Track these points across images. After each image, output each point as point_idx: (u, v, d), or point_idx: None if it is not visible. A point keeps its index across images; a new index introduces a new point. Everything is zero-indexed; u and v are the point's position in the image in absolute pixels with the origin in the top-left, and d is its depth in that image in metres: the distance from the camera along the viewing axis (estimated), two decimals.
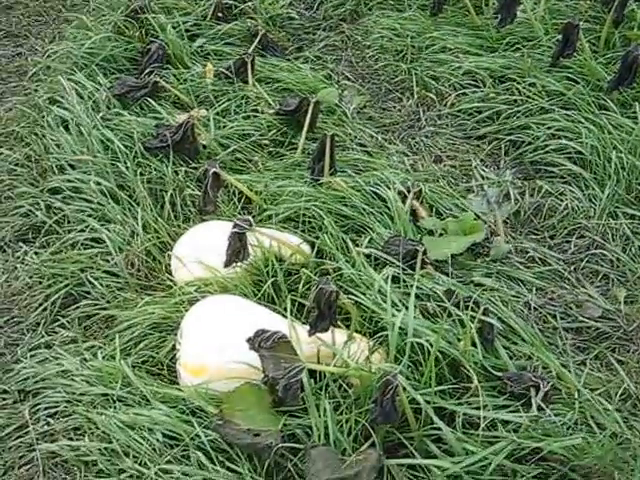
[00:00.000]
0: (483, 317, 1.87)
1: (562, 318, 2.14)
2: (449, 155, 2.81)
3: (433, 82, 3.08)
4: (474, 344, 1.85)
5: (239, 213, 2.36)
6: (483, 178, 2.65)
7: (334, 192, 2.42)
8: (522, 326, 2.01)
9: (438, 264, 2.23)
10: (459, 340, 1.86)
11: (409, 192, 2.37)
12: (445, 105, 3.02)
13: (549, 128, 2.70)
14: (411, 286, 1.96)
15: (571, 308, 2.17)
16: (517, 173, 2.68)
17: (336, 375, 1.81)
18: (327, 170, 2.45)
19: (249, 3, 3.44)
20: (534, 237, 2.41)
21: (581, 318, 2.13)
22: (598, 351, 2.06)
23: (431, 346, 1.75)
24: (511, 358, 1.94)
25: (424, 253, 2.14)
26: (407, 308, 1.85)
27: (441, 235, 2.35)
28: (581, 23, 3.02)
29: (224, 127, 2.73)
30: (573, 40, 2.78)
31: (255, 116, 2.79)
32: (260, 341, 1.74)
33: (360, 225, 2.35)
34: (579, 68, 2.95)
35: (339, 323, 1.93)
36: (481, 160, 2.75)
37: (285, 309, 1.93)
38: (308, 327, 1.83)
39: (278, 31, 3.49)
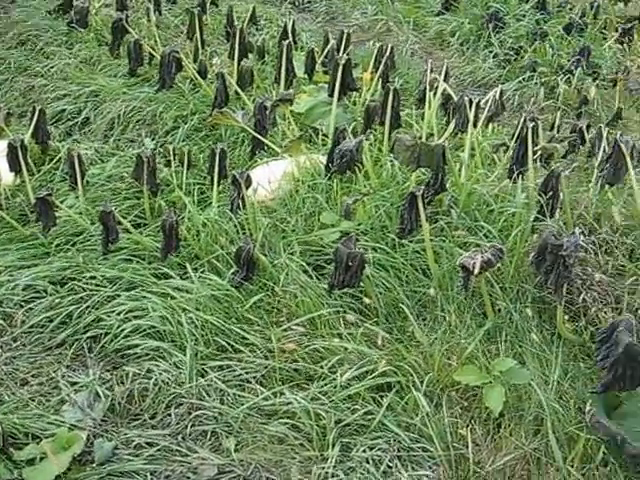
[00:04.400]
0: None
1: None
2: (34, 374, 3.09)
3: None
4: None
5: None
6: (72, 385, 2.97)
7: None
8: None
9: None
10: None
11: None
12: (16, 326, 3.32)
13: (119, 313, 3.15)
14: None
15: (189, 478, 2.55)
16: (106, 366, 3.06)
17: None
18: None
19: None
20: (136, 423, 2.78)
21: None
22: None
23: None
24: None
25: None
26: None
27: (42, 460, 2.62)
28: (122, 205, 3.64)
29: None
30: (112, 225, 3.32)
31: None
32: None
33: None
34: (134, 246, 3.50)
35: None
36: (67, 367, 3.09)
37: None
38: None
39: None
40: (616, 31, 7.18)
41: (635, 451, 2.44)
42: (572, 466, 2.48)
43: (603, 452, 2.49)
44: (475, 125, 4.01)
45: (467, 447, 2.52)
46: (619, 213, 3.39)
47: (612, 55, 6.81)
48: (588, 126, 4.66)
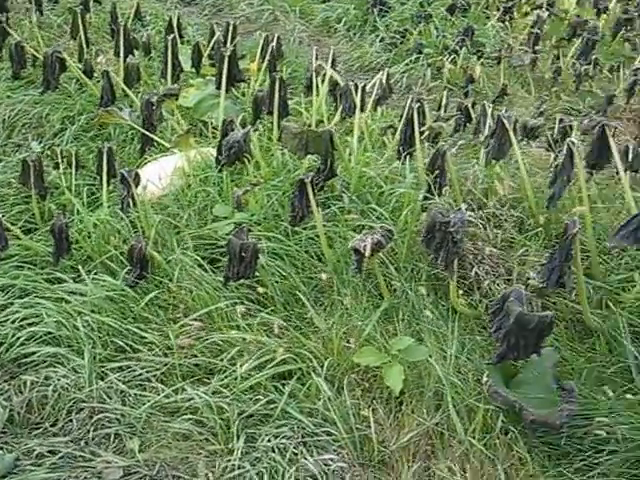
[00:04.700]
0: None
1: None
2: None
3: None
4: None
5: None
6: None
7: None
8: None
9: None
10: None
11: None
12: None
13: (13, 322, 3.04)
14: None
15: None
16: (3, 376, 2.94)
17: None
18: None
19: None
20: (37, 432, 2.69)
21: None
22: None
23: None
24: None
25: None
26: None
27: None
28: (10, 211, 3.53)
29: None
30: (0, 232, 3.21)
31: None
32: None
33: None
34: (25, 252, 3.39)
35: None
36: None
37: None
38: None
39: None
40: (498, 10, 7.34)
41: (533, 417, 2.49)
42: (474, 437, 2.51)
43: (502, 421, 2.54)
44: (362, 109, 4.03)
45: (370, 428, 2.53)
46: (503, 187, 3.45)
47: (495, 34, 6.97)
48: (474, 104, 4.74)
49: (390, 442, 2.53)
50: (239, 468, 2.47)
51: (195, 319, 2.91)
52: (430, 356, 2.69)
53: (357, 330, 2.81)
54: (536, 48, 6.46)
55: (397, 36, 6.70)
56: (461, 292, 3.04)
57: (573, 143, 3.04)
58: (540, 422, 2.50)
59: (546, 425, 2.51)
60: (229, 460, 2.50)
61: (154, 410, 2.68)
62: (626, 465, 2.46)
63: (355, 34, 6.86)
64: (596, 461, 2.47)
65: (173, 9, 7.11)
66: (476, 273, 3.08)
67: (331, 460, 2.48)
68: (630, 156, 3.92)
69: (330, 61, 4.76)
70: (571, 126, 3.99)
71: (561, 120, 4.30)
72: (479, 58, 6.40)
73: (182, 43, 5.66)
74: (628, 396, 2.60)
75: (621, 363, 2.76)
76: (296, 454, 2.50)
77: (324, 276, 2.96)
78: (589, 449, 2.51)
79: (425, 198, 3.30)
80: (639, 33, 6.89)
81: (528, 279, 3.05)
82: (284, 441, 2.53)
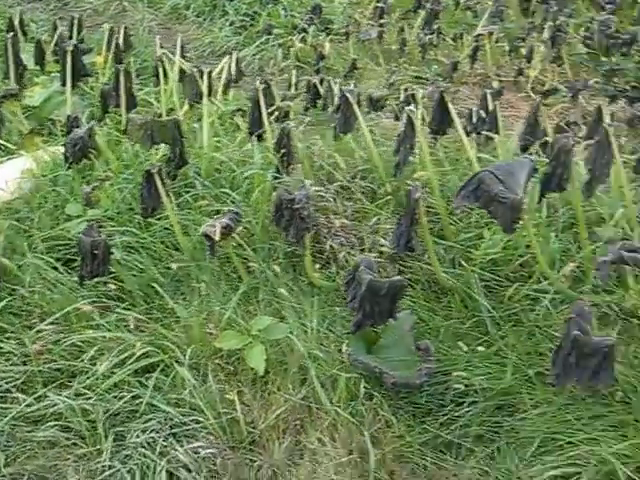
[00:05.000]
0: None
1: None
2: None
3: None
4: None
5: None
6: None
7: None
8: None
9: None
10: None
11: None
12: None
13: None
14: None
15: None
16: None
17: None
18: None
19: None
20: None
21: None
22: None
23: None
24: None
25: None
26: None
27: None
28: None
29: None
30: None
31: None
32: None
33: None
34: None
35: None
36: None
37: None
38: None
39: None
40: None
41: (394, 380, 2.53)
42: (339, 406, 2.52)
43: (365, 387, 2.55)
44: (210, 95, 3.97)
45: (236, 411, 2.50)
46: (346, 160, 3.49)
47: (342, 10, 7.00)
48: (322, 80, 4.75)
49: (259, 422, 2.51)
50: (110, 468, 2.40)
51: (52, 322, 2.80)
52: (291, 332, 2.68)
53: (217, 315, 2.78)
54: (382, 21, 6.53)
55: (247, 19, 6.67)
56: (319, 266, 3.04)
57: (412, 111, 3.08)
58: (401, 384, 2.54)
59: (407, 386, 2.55)
60: (99, 461, 2.42)
61: (17, 421, 2.56)
62: (486, 414, 2.52)
63: (205, 19, 6.78)
64: (458, 414, 2.52)
65: (16, 6, 6.83)
66: (331, 246, 3.09)
67: (200, 448, 2.44)
68: (474, 119, 4.04)
69: (178, 48, 4.67)
70: (413, 95, 4.04)
71: (406, 90, 4.36)
72: (328, 35, 6.43)
73: (26, 41, 5.43)
74: (480, 348, 2.67)
75: (476, 317, 2.83)
76: (166, 446, 2.45)
77: (174, 266, 2.90)
78: (451, 403, 2.56)
79: (275, 177, 3.28)
80: (479, 1, 7.06)
81: (382, 246, 3.08)
82: (153, 435, 2.47)
